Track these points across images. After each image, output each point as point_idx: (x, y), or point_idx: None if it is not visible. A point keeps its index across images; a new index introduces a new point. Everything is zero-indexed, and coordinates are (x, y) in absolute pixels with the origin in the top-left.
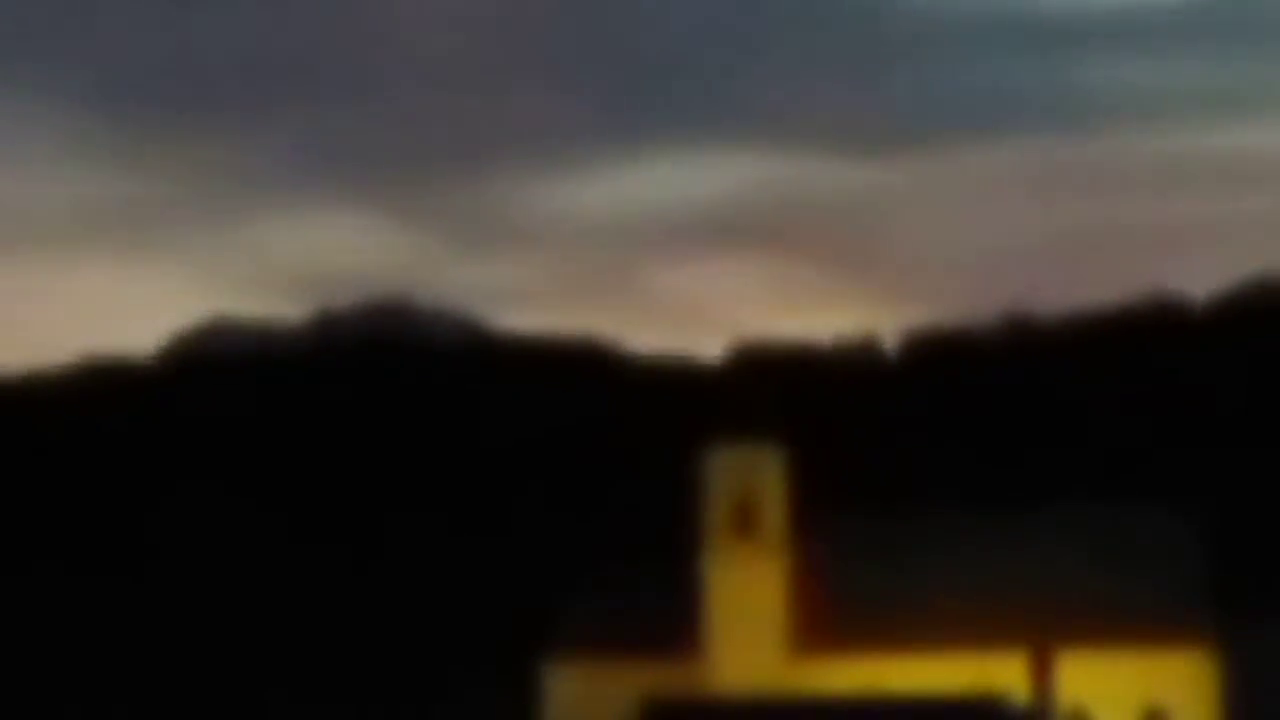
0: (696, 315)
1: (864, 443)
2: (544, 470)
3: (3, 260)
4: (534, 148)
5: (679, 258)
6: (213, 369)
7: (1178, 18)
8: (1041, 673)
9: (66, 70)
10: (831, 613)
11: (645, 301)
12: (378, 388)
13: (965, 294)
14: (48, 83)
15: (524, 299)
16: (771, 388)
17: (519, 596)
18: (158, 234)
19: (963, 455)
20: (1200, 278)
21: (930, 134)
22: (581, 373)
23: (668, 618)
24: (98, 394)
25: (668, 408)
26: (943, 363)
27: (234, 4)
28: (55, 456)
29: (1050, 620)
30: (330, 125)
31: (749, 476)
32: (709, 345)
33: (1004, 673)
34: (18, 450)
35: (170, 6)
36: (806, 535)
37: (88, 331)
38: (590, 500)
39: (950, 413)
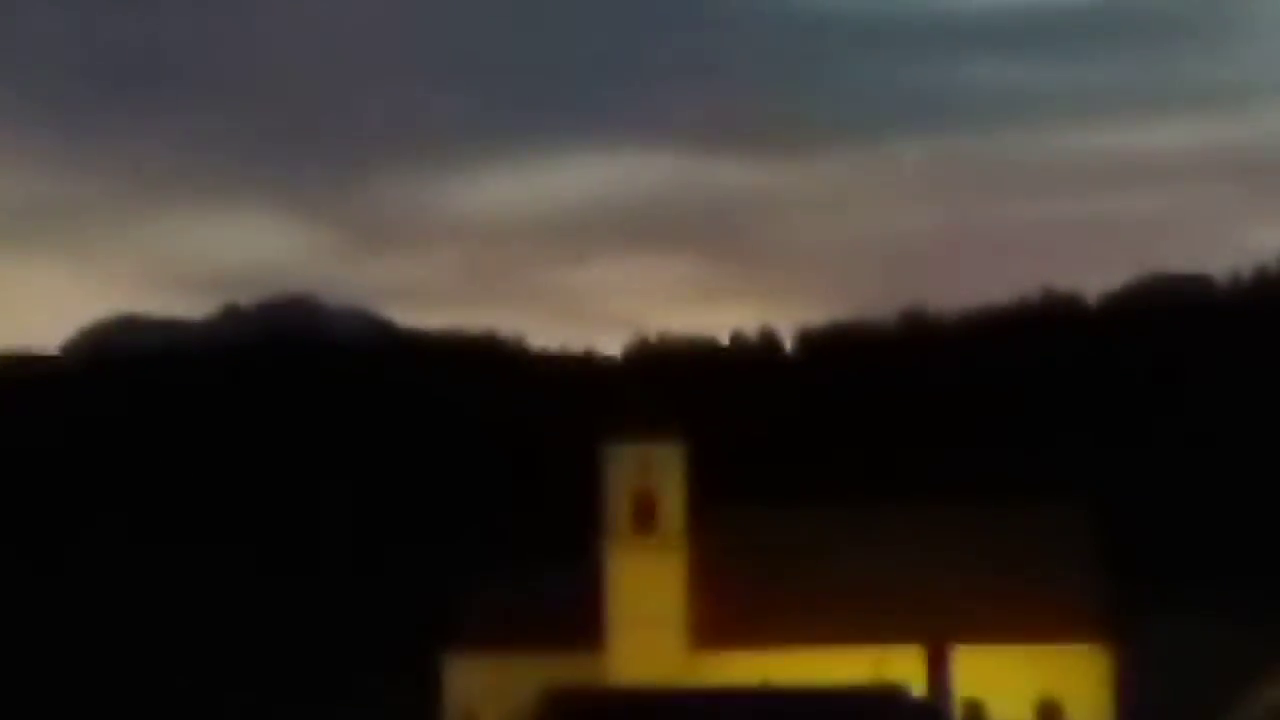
0: (597, 312)
1: (763, 438)
2: (447, 464)
3: None
4: (438, 148)
5: (580, 256)
6: (120, 365)
7: (1068, 19)
8: (937, 666)
9: None
10: (731, 607)
11: (547, 299)
12: (284, 383)
13: (861, 291)
14: None
15: (428, 296)
16: (671, 384)
17: (421, 590)
18: (64, 232)
19: (860, 450)
20: (1092, 275)
21: (825, 133)
22: (485, 368)
23: (569, 611)
24: (5, 388)
25: (569, 403)
26: (840, 358)
27: (135, 3)
28: None
29: (946, 614)
30: (236, 125)
31: (649, 472)
32: (609, 342)
33: (900, 666)
34: None
35: (69, 5)
36: (706, 530)
37: None
38: (492, 495)
39: (847, 408)
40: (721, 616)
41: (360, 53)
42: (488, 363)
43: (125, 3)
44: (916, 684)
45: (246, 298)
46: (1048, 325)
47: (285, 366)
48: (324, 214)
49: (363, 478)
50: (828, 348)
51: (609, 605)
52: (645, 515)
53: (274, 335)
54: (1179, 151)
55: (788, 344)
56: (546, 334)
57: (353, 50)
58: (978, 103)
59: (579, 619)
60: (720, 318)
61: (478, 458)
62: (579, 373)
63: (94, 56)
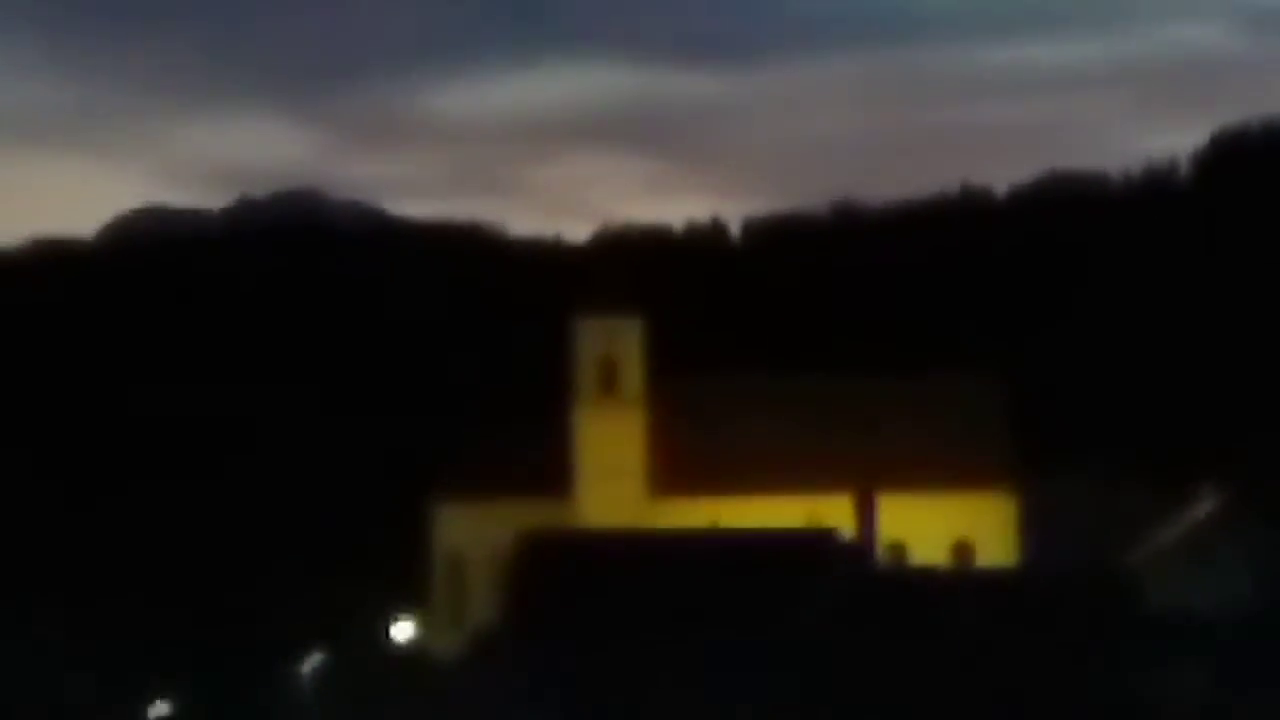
0: (568, 204)
1: (712, 313)
2: (437, 339)
3: None
4: (426, 56)
5: (553, 154)
6: (148, 249)
7: None
8: (865, 513)
9: None
10: (684, 460)
11: (523, 193)
12: (293, 267)
13: (798, 185)
14: None
15: (417, 190)
16: (631, 266)
17: (417, 445)
18: (96, 133)
19: (797, 325)
20: (1000, 172)
21: (770, 47)
22: (470, 254)
23: (544, 465)
24: (47, 269)
25: (543, 284)
26: (779, 244)
27: None
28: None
29: (873, 468)
30: (245, 34)
31: (612, 342)
32: (579, 230)
33: (832, 513)
34: None
35: None
36: (662, 393)
37: (37, 216)
38: (476, 365)
39: (786, 288)
40: (676, 468)
41: None
42: (473, 249)
43: None
44: (846, 528)
45: (258, 192)
46: (962, 215)
47: (295, 251)
48: (325, 118)
49: (364, 349)
50: (769, 235)
51: (578, 459)
52: (609, 380)
53: (284, 224)
54: (1076, 63)
55: (735, 232)
56: (523, 223)
57: None
58: (900, 22)
59: (552, 471)
60: (676, 209)
61: (463, 333)
62: (552, 257)
63: None
